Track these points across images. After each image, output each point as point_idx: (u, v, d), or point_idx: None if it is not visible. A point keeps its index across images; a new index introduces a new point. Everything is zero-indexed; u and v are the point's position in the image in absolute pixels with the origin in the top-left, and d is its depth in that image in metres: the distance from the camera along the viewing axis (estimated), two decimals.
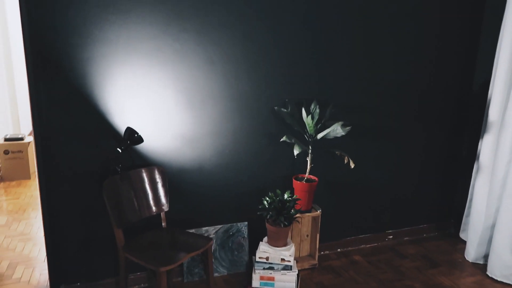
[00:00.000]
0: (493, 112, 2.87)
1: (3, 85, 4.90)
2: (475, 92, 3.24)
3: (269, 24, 2.55)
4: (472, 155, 3.23)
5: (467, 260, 3.05)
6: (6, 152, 4.45)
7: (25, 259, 2.88)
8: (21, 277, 2.66)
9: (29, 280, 2.63)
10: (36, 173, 2.29)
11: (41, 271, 2.72)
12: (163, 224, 2.43)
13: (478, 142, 3.11)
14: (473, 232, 3.03)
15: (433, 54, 3.06)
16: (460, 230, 3.39)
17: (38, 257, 2.91)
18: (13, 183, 4.43)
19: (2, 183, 4.42)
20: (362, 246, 3.22)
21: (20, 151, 4.49)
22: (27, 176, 4.50)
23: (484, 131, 2.97)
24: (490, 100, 2.90)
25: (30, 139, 4.55)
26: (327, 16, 2.67)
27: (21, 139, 4.51)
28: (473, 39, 3.15)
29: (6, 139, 4.48)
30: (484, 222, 2.95)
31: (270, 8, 2.52)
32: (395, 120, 3.09)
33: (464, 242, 3.21)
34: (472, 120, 3.27)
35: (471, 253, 3.03)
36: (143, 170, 2.32)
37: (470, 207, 3.18)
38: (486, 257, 2.97)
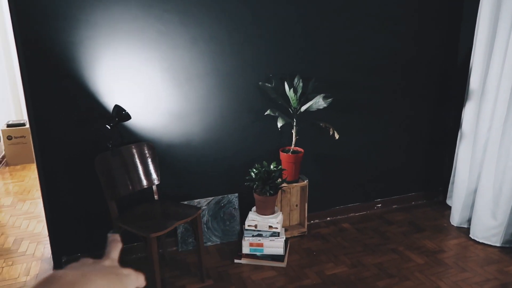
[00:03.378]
0: (474, 81, 2.93)
1: (4, 74, 5.03)
2: (459, 62, 3.29)
3: (251, 2, 2.61)
4: (457, 124, 3.31)
5: (452, 225, 3.17)
6: (9, 138, 4.61)
7: (29, 235, 3.06)
8: (26, 250, 2.84)
9: (34, 253, 2.81)
10: (34, 155, 2.42)
11: (44, 245, 2.89)
12: (155, 197, 2.57)
13: (462, 111, 3.19)
14: (457, 198, 3.13)
15: (416, 26, 3.10)
16: (447, 197, 3.50)
17: (42, 233, 3.08)
18: (18, 167, 4.61)
19: (8, 168, 4.60)
20: (351, 214, 3.35)
21: (23, 136, 4.64)
22: (31, 160, 4.66)
23: (467, 100, 3.04)
24: (471, 69, 2.96)
25: None
26: None
27: (23, 124, 4.65)
28: (455, 10, 3.18)
29: (8, 125, 4.63)
30: (467, 188, 3.05)
31: None
32: (381, 93, 3.15)
33: (450, 208, 3.32)
34: (457, 90, 3.34)
35: (456, 218, 3.14)
36: (133, 146, 2.45)
37: (455, 174, 3.28)
38: (469, 221, 3.08)
